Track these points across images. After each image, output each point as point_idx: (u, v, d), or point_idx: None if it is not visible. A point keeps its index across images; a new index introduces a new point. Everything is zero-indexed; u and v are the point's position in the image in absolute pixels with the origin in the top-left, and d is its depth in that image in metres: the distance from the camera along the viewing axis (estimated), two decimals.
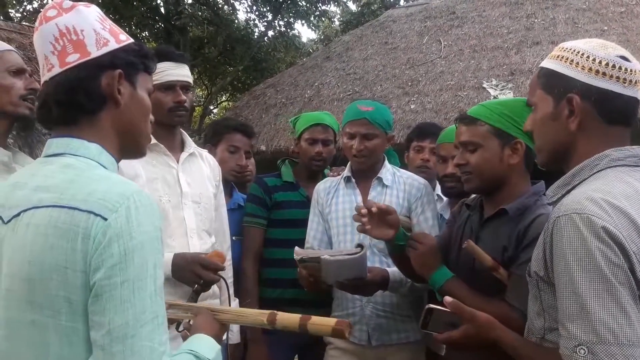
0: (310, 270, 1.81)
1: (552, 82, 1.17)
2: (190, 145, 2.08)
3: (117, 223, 0.89)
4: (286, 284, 2.31)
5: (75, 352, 0.90)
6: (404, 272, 1.68)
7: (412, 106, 6.77)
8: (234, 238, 2.45)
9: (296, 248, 1.86)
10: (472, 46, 7.52)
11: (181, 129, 2.09)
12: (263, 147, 7.38)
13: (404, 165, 2.42)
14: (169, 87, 1.95)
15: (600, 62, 1.12)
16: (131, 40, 1.09)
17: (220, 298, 1.91)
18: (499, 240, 1.52)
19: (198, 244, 1.92)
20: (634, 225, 0.99)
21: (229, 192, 2.62)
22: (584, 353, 0.95)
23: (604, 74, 1.11)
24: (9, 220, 0.96)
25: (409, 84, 7.19)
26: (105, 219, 0.89)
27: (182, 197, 1.94)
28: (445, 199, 2.42)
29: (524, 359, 1.16)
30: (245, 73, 13.06)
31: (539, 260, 1.12)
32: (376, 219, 1.64)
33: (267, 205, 2.44)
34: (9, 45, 1.71)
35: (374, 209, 1.62)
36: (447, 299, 1.25)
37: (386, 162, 2.19)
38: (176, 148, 2.02)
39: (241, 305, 2.23)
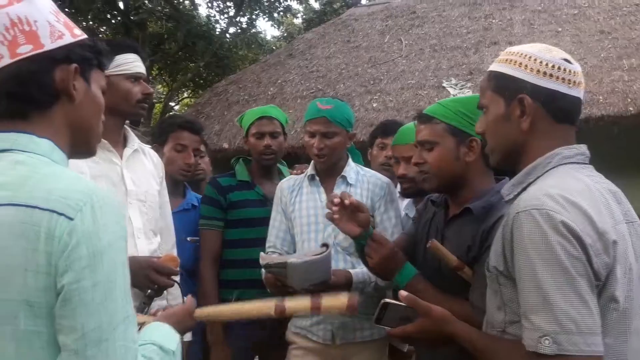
0: (276, 275, 1.80)
1: (503, 84, 1.22)
2: (134, 140, 2.00)
3: (83, 223, 0.85)
4: (245, 285, 2.29)
5: (36, 356, 0.86)
6: (371, 270, 1.68)
7: (374, 104, 6.83)
8: (188, 239, 2.41)
9: (261, 254, 1.85)
10: (432, 45, 7.65)
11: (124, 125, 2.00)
12: (225, 145, 7.31)
13: (367, 163, 2.43)
14: (137, 78, 1.90)
15: (547, 65, 1.18)
16: (85, 35, 1.05)
17: (166, 298, 1.89)
18: (464, 239, 1.54)
19: (145, 244, 1.87)
20: (589, 220, 1.03)
21: (181, 193, 2.56)
22: (549, 343, 0.99)
23: (550, 75, 1.17)
24: None
25: (371, 82, 7.25)
26: (71, 219, 0.85)
27: (127, 196, 1.85)
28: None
29: (481, 351, 1.18)
30: (207, 69, 12.86)
31: (498, 256, 1.15)
32: (348, 213, 1.62)
33: (222, 206, 2.40)
34: None
35: (346, 202, 1.59)
36: (402, 293, 1.26)
37: (350, 160, 2.19)
38: (119, 143, 1.93)
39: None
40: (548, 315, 0.99)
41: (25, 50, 0.94)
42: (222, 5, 12.83)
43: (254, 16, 13.04)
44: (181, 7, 12.08)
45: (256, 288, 2.08)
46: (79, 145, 1.04)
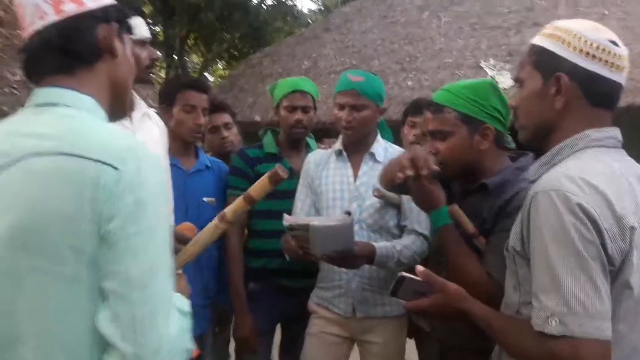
0: (298, 239, 1.82)
1: (542, 60, 1.19)
2: (141, 104, 1.99)
3: (128, 173, 0.88)
4: (271, 254, 2.32)
5: (77, 302, 0.88)
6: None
7: (409, 83, 6.75)
8: (205, 200, 2.43)
9: (285, 215, 1.86)
10: (472, 24, 7.45)
11: None
12: (258, 118, 7.36)
13: (399, 142, 2.41)
14: (144, 42, 1.91)
15: (591, 44, 1.13)
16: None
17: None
18: (479, 213, 1.53)
19: None
20: (607, 204, 1.01)
21: (194, 154, 2.52)
22: (555, 324, 0.99)
23: (593, 56, 1.13)
24: (2, 168, 0.93)
25: (407, 59, 7.14)
26: (116, 169, 0.88)
27: None
28: None
29: (495, 330, 1.18)
30: (242, 41, 12.88)
31: (517, 236, 1.15)
32: None
33: (249, 177, 2.40)
34: None
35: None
36: (419, 268, 1.27)
37: (379, 136, 2.18)
38: (127, 107, 1.97)
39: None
40: (557, 295, 0.99)
41: (69, 8, 0.98)
42: None
43: None
44: None
45: (281, 257, 2.11)
46: (116, 105, 1.08)
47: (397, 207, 2.06)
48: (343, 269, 2.01)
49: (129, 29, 1.10)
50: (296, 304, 2.31)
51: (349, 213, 1.83)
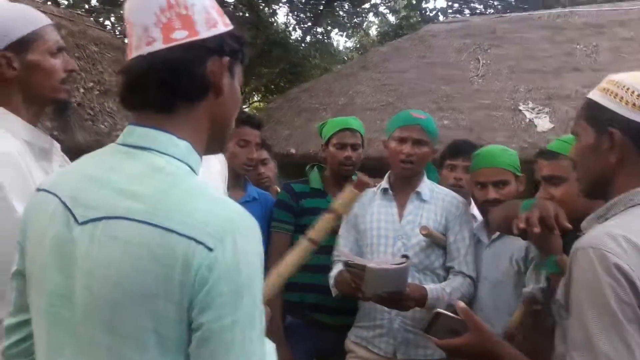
0: (353, 275, 1.83)
1: (595, 114, 1.20)
2: None
3: (224, 256, 0.77)
4: (308, 289, 2.33)
5: None
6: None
7: (445, 122, 6.74)
8: None
9: (341, 248, 1.88)
10: (511, 67, 7.45)
11: None
12: (293, 150, 7.43)
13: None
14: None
15: None
16: (232, 25, 0.96)
17: None
18: None
19: None
20: None
21: (242, 186, 2.62)
22: None
23: None
24: (86, 222, 0.83)
25: (444, 99, 7.16)
26: (211, 250, 0.77)
27: None
28: (480, 219, 2.41)
29: None
30: (280, 76, 13.19)
31: (562, 289, 1.16)
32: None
33: (294, 211, 2.45)
34: (47, 18, 1.51)
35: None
36: (460, 303, 1.29)
37: (424, 176, 2.20)
38: (226, 144, 2.01)
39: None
40: (589, 355, 0.99)
41: (180, 36, 0.87)
42: (300, 16, 13.12)
43: (329, 28, 13.25)
44: (261, 13, 12.46)
45: (315, 292, 2.11)
46: (215, 142, 0.97)
47: (443, 247, 2.06)
48: (386, 308, 2.00)
49: (243, 58, 0.97)
50: (332, 340, 2.29)
51: (406, 257, 1.84)
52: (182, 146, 0.88)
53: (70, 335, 0.83)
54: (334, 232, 2.25)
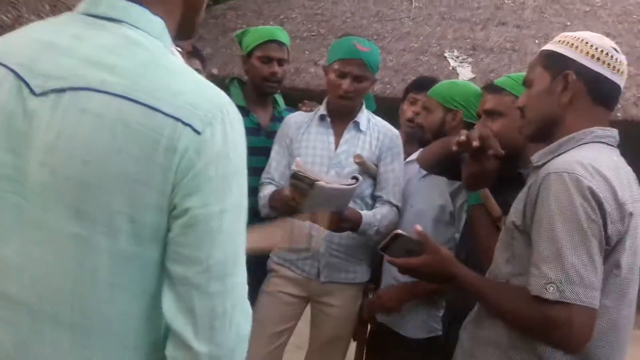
0: (295, 191, 1.79)
1: (552, 61, 1.31)
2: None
3: (213, 141, 0.72)
4: None
5: (131, 281, 0.73)
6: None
7: None
8: None
9: (297, 159, 1.84)
10: (441, 13, 7.54)
11: None
12: (215, 71, 7.13)
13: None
14: None
15: (596, 49, 1.27)
16: None
17: None
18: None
19: None
20: (611, 190, 1.14)
21: None
22: (553, 290, 1.10)
23: (598, 58, 1.26)
24: (45, 93, 0.73)
25: (375, 37, 7.13)
26: (198, 133, 0.71)
27: None
28: None
29: (485, 294, 1.28)
30: None
31: (518, 212, 1.24)
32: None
33: None
34: None
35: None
36: (418, 227, 1.34)
37: (364, 106, 2.18)
38: (196, 29, 1.86)
39: None
40: (557, 265, 1.10)
41: None
42: None
43: None
44: None
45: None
46: (182, 29, 0.88)
47: (374, 177, 2.09)
48: (313, 232, 2.02)
49: None
50: (251, 260, 2.29)
51: (356, 178, 1.83)
52: (156, 22, 0.79)
53: (20, 221, 0.73)
54: (261, 153, 2.20)
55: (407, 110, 2.37)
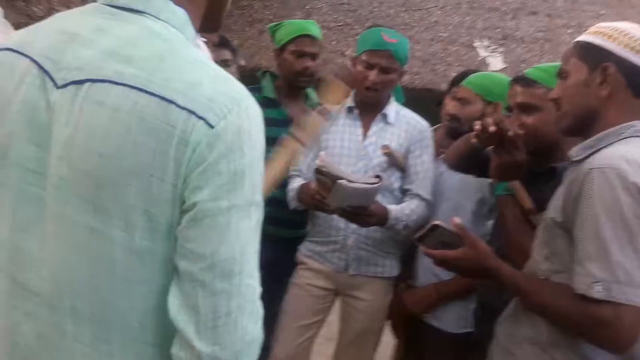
0: (320, 185, 1.79)
1: (589, 52, 1.26)
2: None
3: (226, 134, 0.70)
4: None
5: (146, 276, 0.72)
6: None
7: None
8: None
9: (322, 154, 1.83)
10: (470, 2, 7.40)
11: None
12: (242, 62, 7.15)
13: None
14: None
15: (636, 40, 1.21)
16: None
17: None
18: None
19: None
20: None
21: None
22: (600, 289, 1.06)
23: (638, 50, 1.21)
24: (66, 85, 0.72)
25: (402, 27, 7.04)
26: (212, 127, 0.69)
27: None
28: None
29: (525, 290, 1.24)
30: None
31: (557, 208, 1.21)
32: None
33: None
34: None
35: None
36: (455, 219, 1.31)
37: (392, 98, 2.15)
38: (221, 23, 1.89)
39: None
40: (604, 264, 1.07)
41: None
42: None
43: None
44: None
45: (270, 206, 2.07)
46: (208, 22, 0.86)
47: (403, 169, 2.07)
48: (341, 225, 2.01)
49: None
50: (280, 252, 2.29)
51: (379, 177, 1.82)
52: (179, 13, 0.78)
53: (41, 214, 0.74)
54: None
55: (449, 104, 2.30)
